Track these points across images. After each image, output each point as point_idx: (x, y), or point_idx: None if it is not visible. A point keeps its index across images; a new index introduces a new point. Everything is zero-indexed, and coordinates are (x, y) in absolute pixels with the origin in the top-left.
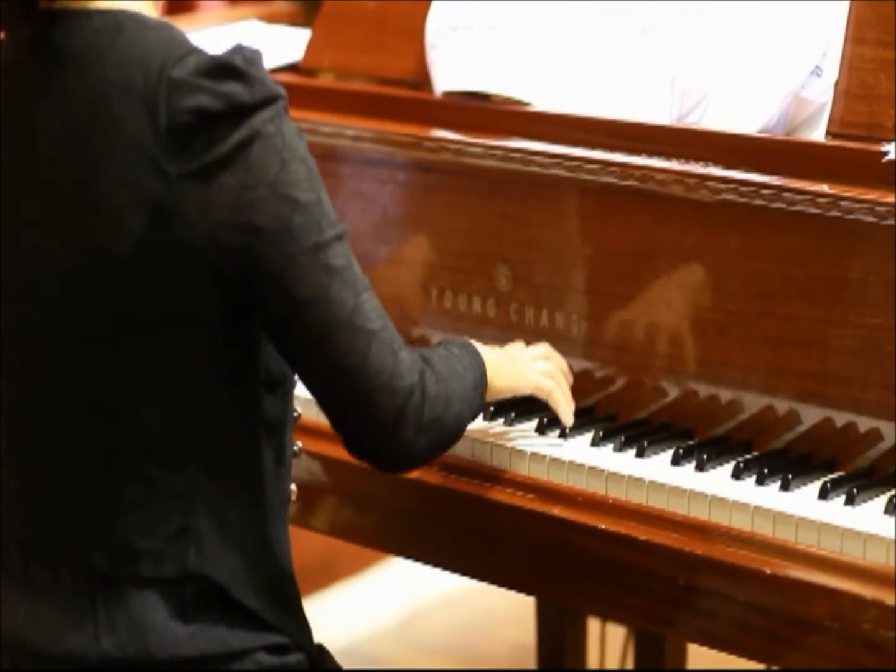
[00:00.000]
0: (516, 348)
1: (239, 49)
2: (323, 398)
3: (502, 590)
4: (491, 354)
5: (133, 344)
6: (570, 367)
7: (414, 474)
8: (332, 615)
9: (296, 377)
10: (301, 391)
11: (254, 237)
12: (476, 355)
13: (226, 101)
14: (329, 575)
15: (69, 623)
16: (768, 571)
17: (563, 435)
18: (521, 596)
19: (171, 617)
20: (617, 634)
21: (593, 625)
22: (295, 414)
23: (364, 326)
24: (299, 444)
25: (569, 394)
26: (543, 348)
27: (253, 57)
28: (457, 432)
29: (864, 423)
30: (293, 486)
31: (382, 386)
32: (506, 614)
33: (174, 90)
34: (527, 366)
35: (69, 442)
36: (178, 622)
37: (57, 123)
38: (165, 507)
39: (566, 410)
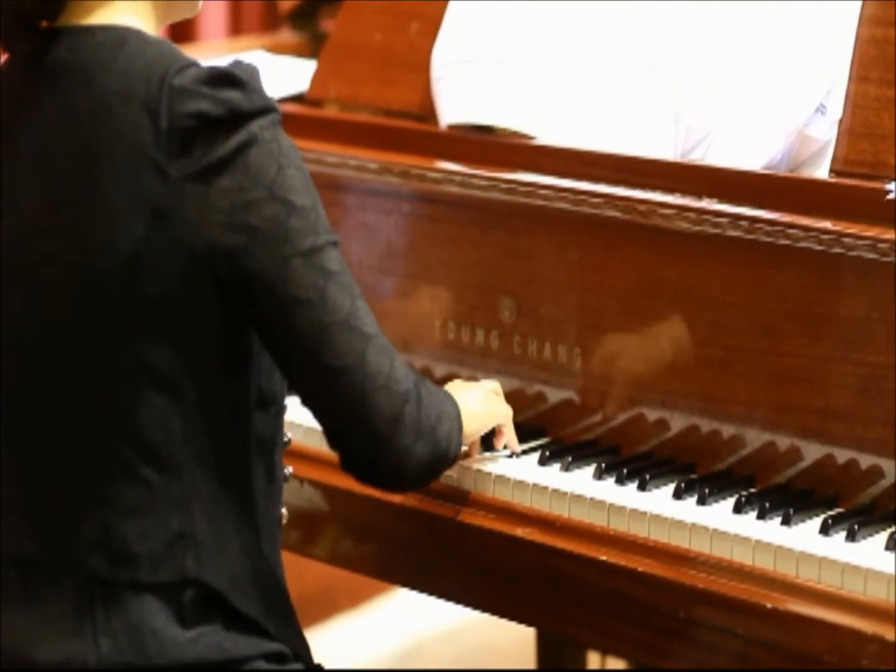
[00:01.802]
0: (473, 386)
1: (238, 63)
2: (319, 404)
3: (503, 623)
4: (462, 400)
5: (133, 349)
6: (572, 401)
7: (414, 502)
8: (332, 647)
9: (286, 402)
10: (297, 417)
11: (250, 237)
12: (455, 404)
13: (225, 106)
14: (329, 607)
15: (69, 629)
16: (769, 606)
17: (565, 467)
18: (522, 629)
19: (170, 622)
20: (617, 668)
21: (593, 658)
22: (286, 439)
23: (360, 328)
24: (290, 468)
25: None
26: (494, 383)
27: (251, 70)
28: (448, 452)
29: (866, 460)
30: (284, 510)
31: (380, 387)
32: (506, 648)
33: (175, 96)
34: (492, 401)
35: (67, 446)
36: (178, 627)
37: (59, 131)
38: (163, 512)
39: (515, 442)
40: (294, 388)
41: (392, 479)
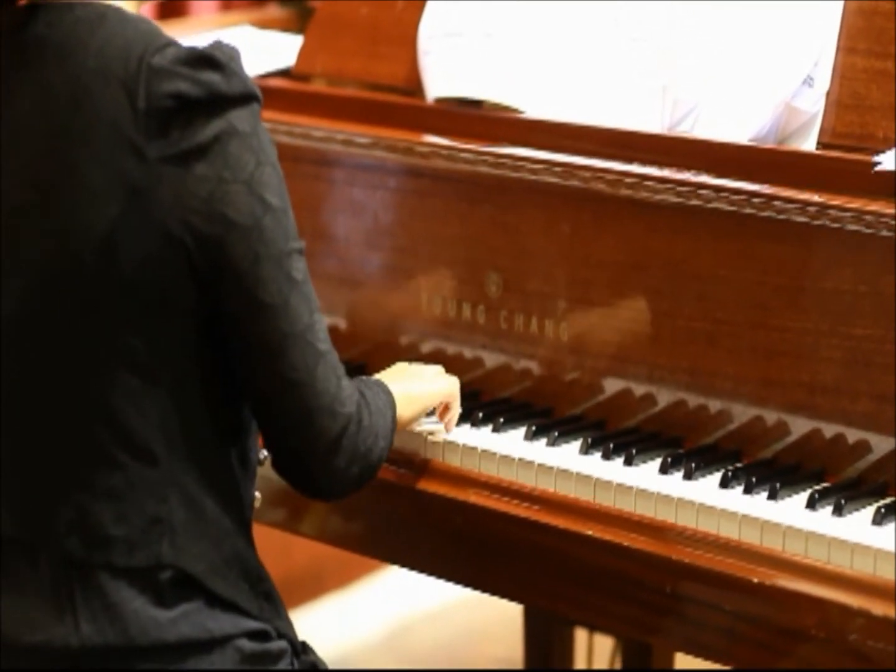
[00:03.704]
0: (414, 369)
1: (218, 44)
2: (264, 410)
3: (491, 602)
4: (397, 386)
5: (109, 331)
6: (559, 376)
7: (401, 479)
8: (320, 627)
9: None
10: None
11: (225, 230)
12: (388, 393)
13: (204, 88)
14: (317, 587)
15: (49, 612)
16: (756, 580)
17: (551, 442)
18: (509, 609)
19: (150, 604)
20: (604, 645)
21: (581, 636)
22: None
23: (314, 344)
24: (265, 452)
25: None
26: (438, 368)
27: (231, 52)
28: (378, 467)
29: (853, 435)
30: (257, 494)
31: (325, 407)
32: (494, 628)
33: (153, 76)
34: (431, 384)
35: (44, 428)
36: (159, 608)
37: (36, 110)
38: (139, 496)
39: (453, 423)
40: (244, 391)
41: (320, 493)
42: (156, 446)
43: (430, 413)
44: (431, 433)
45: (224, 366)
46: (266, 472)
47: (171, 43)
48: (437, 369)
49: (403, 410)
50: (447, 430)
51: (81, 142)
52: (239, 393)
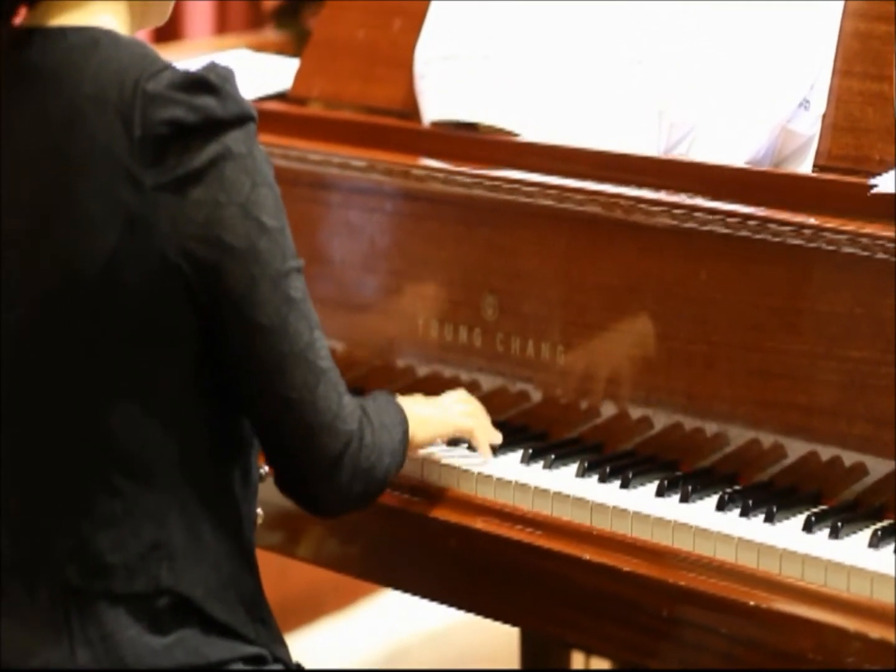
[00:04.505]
0: (436, 398)
1: (212, 66)
2: (267, 431)
3: (488, 625)
4: (413, 407)
5: (107, 358)
6: (556, 399)
7: (397, 502)
8: (318, 649)
9: None
10: None
11: (222, 254)
12: (400, 411)
13: (199, 113)
14: (315, 610)
15: (45, 639)
16: (752, 603)
17: (548, 465)
18: (507, 631)
19: (146, 631)
20: (601, 668)
21: (577, 658)
22: None
23: (315, 362)
24: (265, 468)
25: (492, 429)
26: (460, 392)
27: (226, 74)
28: (384, 484)
29: (850, 457)
30: (259, 511)
31: (326, 425)
32: (491, 650)
33: (149, 103)
34: (447, 411)
35: (42, 456)
36: (154, 635)
37: (33, 136)
38: (138, 523)
39: (486, 449)
40: (244, 410)
41: (324, 510)
42: (155, 471)
43: (455, 443)
44: (475, 458)
45: (224, 387)
46: (262, 494)
47: (166, 67)
48: (458, 395)
49: (417, 430)
50: (485, 456)
51: (78, 169)
52: (239, 412)
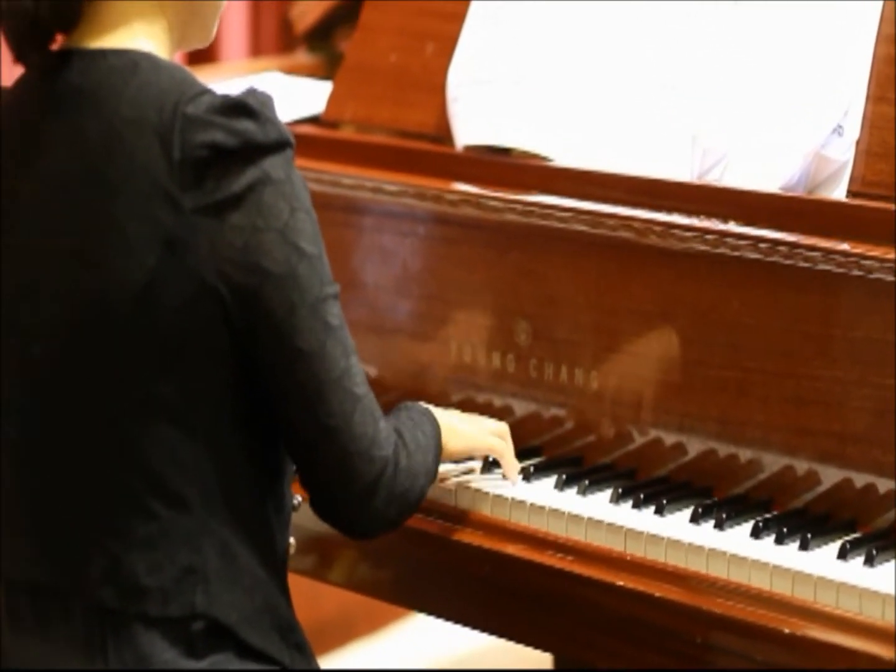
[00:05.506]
0: (472, 415)
1: (252, 91)
2: (303, 456)
3: (519, 649)
4: (446, 417)
5: (142, 381)
6: (589, 424)
7: (431, 527)
8: None
9: None
10: None
11: (261, 280)
12: (434, 423)
13: (239, 137)
14: (346, 633)
15: (80, 659)
16: (786, 631)
17: (581, 491)
18: (538, 656)
19: (181, 655)
20: None
21: None
22: (294, 468)
23: (351, 389)
24: (299, 497)
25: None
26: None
27: (265, 99)
28: (419, 503)
29: (884, 484)
30: (292, 540)
31: (362, 451)
32: None
33: (188, 126)
34: (481, 426)
35: (77, 476)
36: (189, 659)
37: (71, 159)
38: (173, 546)
39: (514, 472)
40: (280, 435)
41: (358, 533)
42: (190, 495)
43: (489, 469)
44: (509, 484)
45: (259, 412)
46: (294, 519)
47: (205, 91)
48: (491, 420)
49: (449, 440)
50: (512, 480)
51: (116, 192)
52: (275, 437)
